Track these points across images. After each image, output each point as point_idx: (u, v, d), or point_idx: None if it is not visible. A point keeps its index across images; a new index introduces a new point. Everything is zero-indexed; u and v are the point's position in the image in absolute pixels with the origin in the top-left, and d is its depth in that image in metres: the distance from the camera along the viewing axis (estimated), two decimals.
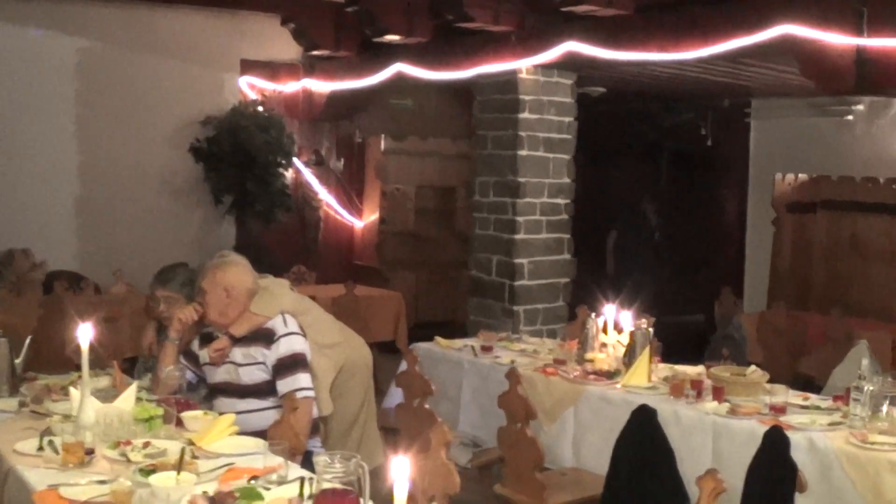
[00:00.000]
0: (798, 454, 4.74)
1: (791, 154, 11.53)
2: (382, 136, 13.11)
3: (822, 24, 6.92)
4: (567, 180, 9.35)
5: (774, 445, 4.31)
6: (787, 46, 7.22)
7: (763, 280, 11.42)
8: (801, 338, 8.64)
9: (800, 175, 11.07)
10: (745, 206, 12.26)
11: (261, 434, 4.28)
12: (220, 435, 4.18)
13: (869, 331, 8.00)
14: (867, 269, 10.20)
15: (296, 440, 4.31)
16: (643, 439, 4.96)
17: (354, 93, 11.45)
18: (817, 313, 9.93)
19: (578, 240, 9.56)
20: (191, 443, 4.08)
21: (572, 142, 9.40)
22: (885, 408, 5.01)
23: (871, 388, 5.07)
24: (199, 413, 4.44)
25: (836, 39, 6.88)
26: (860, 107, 11.00)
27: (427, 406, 5.55)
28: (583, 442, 5.87)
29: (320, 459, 3.14)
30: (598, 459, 5.55)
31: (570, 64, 8.93)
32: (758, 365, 6.92)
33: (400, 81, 10.50)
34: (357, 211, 13.23)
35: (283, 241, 11.75)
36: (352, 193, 13.13)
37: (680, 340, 8.19)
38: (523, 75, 9.07)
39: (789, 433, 4.81)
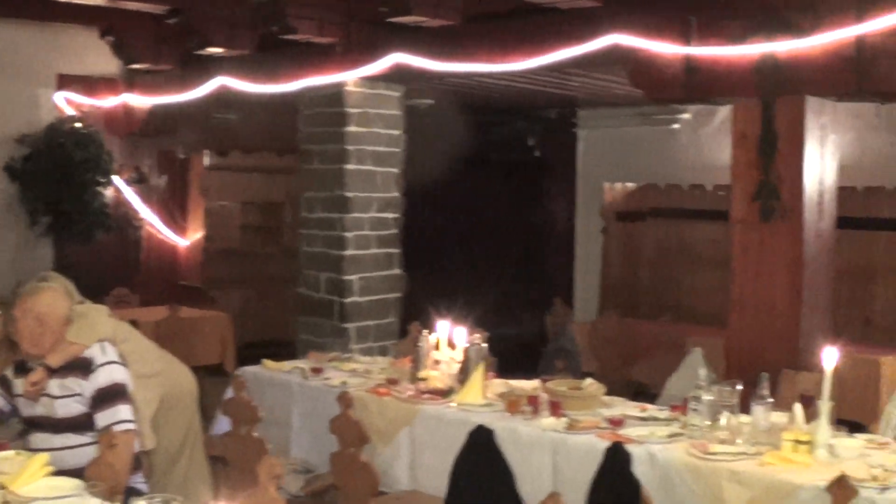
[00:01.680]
0: (639, 468, 4.69)
1: (619, 163, 11.64)
2: (206, 151, 12.78)
3: (651, 34, 6.93)
4: (396, 194, 9.19)
5: (616, 462, 4.22)
6: (616, 56, 7.21)
7: (594, 289, 11.49)
8: (633, 345, 8.68)
9: (628, 184, 11.16)
10: (574, 215, 12.32)
11: (80, 472, 4.00)
12: (34, 477, 3.88)
13: (699, 336, 8.09)
14: (696, 275, 10.35)
15: (115, 479, 4.04)
16: (481, 460, 4.84)
17: (176, 107, 11.09)
18: (648, 320, 10.04)
19: (411, 254, 9.42)
20: (2, 487, 3.78)
21: (400, 155, 9.25)
22: (723, 417, 4.99)
23: (710, 397, 5.04)
24: (10, 453, 4.13)
25: (665, 49, 6.89)
26: (686, 115, 11.16)
27: (256, 434, 5.30)
28: (419, 463, 5.69)
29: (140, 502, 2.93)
30: (435, 481, 5.40)
31: (397, 76, 8.79)
32: (592, 374, 6.90)
33: (223, 95, 10.20)
34: (181, 229, 12.85)
35: (104, 262, 11.29)
36: (175, 211, 12.74)
37: (514, 354, 8.11)
38: (350, 88, 8.89)
39: (629, 446, 4.75)
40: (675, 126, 11.23)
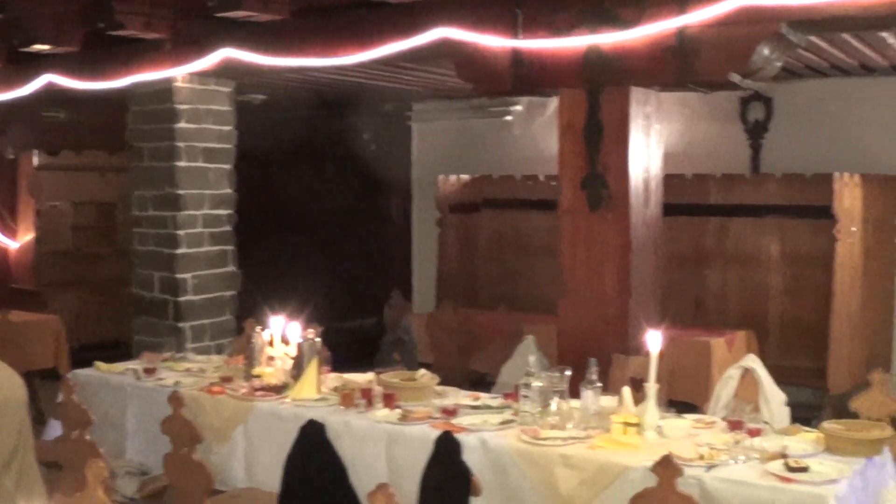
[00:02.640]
0: (472, 456, 4.73)
1: (453, 155, 11.71)
2: (35, 151, 12.45)
3: (478, 27, 6.97)
4: (229, 191, 9.07)
5: (445, 451, 4.25)
6: (444, 50, 7.24)
7: (431, 281, 11.54)
8: (471, 335, 8.76)
9: (462, 176, 11.23)
10: (411, 208, 12.37)
11: None
12: None
13: (535, 324, 8.20)
14: (531, 265, 10.48)
15: None
16: (312, 455, 4.82)
17: (4, 107, 10.75)
18: (485, 310, 10.13)
19: (247, 251, 9.32)
20: None
21: (232, 151, 9.13)
22: (554, 402, 5.07)
23: (540, 383, 5.12)
24: None
25: (492, 42, 6.95)
26: (518, 107, 11.29)
27: (88, 437, 5.20)
28: (255, 460, 5.66)
29: None
30: (271, 477, 5.35)
31: (227, 71, 8.68)
32: (430, 366, 6.94)
33: (52, 93, 9.93)
34: (11, 231, 12.51)
35: None
36: (4, 213, 12.40)
37: (353, 347, 8.12)
38: (179, 84, 8.74)
39: (462, 435, 4.80)
40: (509, 118, 11.35)
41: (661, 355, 5.04)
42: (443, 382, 6.00)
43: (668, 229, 9.11)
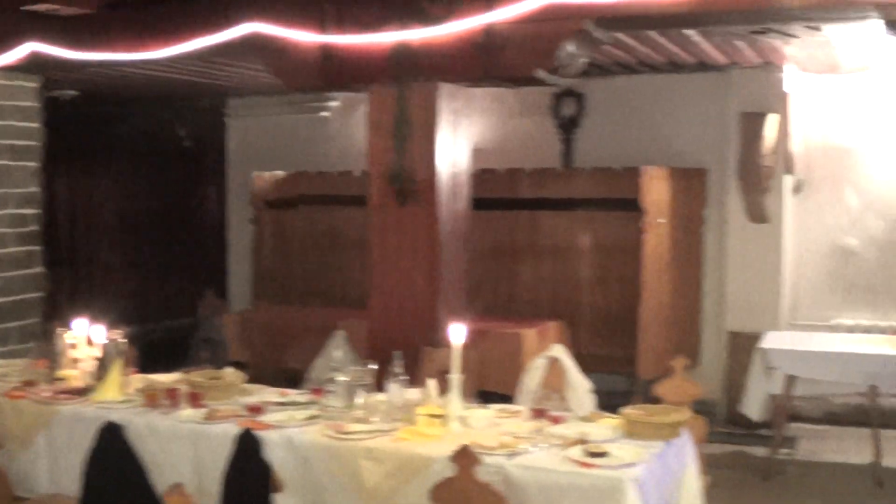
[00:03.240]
0: (277, 452, 4.73)
1: (270, 152, 11.63)
2: None
3: (288, 22, 6.95)
4: (35, 189, 8.81)
5: (246, 448, 4.23)
6: (254, 44, 7.20)
7: (247, 278, 11.45)
8: (286, 332, 8.73)
9: (278, 172, 11.17)
10: (226, 205, 12.24)
11: None
12: None
13: (349, 319, 8.21)
14: (346, 260, 10.49)
15: None
16: (111, 457, 4.74)
17: None
18: (300, 307, 10.10)
19: (56, 251, 9.09)
20: None
21: (39, 148, 8.88)
22: (359, 397, 5.09)
23: (345, 378, 5.14)
24: None
25: (302, 37, 6.93)
26: (336, 103, 11.29)
27: None
28: (58, 465, 5.50)
29: None
30: (76, 482, 5.24)
31: (33, 66, 8.43)
32: (243, 364, 6.89)
33: None
34: None
35: None
36: None
37: (167, 348, 8.01)
38: None
39: (267, 432, 4.78)
40: (325, 114, 11.34)
41: (470, 347, 5.11)
42: (258, 380, 5.98)
43: (481, 223, 9.29)
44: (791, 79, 9.39)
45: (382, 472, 4.64)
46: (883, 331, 9.37)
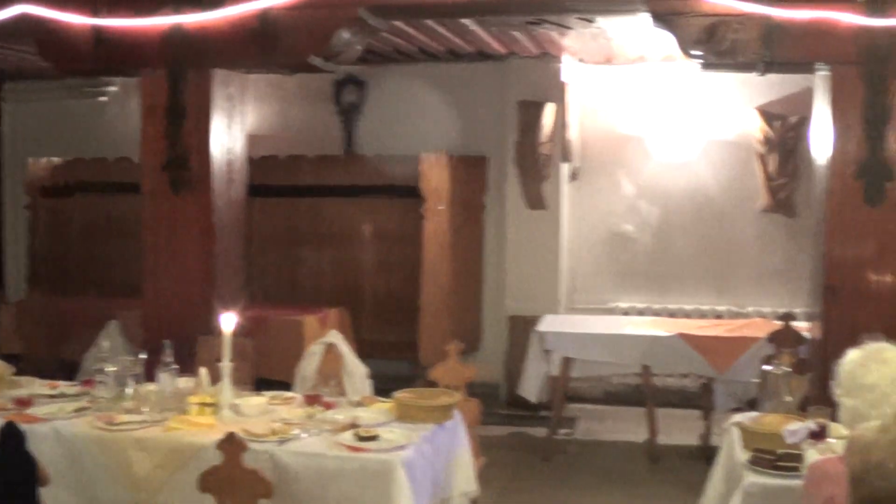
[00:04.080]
0: (45, 445, 4.62)
1: (46, 137, 11.27)
2: None
3: (59, 4, 6.74)
4: None
5: (8, 442, 4.10)
6: (25, 27, 6.96)
7: (22, 267, 11.10)
8: (62, 323, 8.50)
9: (54, 158, 10.83)
10: (1, 192, 11.82)
11: None
12: None
13: (126, 309, 8.07)
14: (123, 248, 10.21)
15: None
16: None
17: None
18: (79, 296, 9.84)
19: None
20: None
21: None
22: (129, 387, 5.02)
23: (114, 368, 5.06)
24: None
25: (73, 19, 6.74)
26: (114, 88, 11.03)
27: None
28: None
29: None
30: None
31: None
32: (17, 356, 6.70)
33: None
34: None
35: None
36: None
37: None
38: None
39: (34, 425, 4.67)
40: (103, 99, 11.07)
41: (249, 334, 5.10)
42: (36, 372, 5.83)
43: (262, 210, 9.24)
44: (568, 69, 9.62)
45: (152, 462, 4.60)
46: (657, 313, 9.74)
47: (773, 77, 8.80)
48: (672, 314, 9.69)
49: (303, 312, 8.55)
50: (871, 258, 5.87)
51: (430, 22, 7.77)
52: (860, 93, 5.81)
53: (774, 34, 5.81)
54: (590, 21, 7.74)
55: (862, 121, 5.83)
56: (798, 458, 4.26)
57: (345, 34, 6.38)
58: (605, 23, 7.85)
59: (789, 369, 5.08)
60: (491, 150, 9.93)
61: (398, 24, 7.59)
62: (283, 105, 10.33)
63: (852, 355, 3.90)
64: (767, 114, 9.61)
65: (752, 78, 8.86)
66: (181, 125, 6.53)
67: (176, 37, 6.52)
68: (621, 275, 10.10)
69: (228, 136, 6.72)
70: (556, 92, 9.60)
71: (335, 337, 6.15)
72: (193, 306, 6.51)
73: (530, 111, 9.50)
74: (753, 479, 4.22)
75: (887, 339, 3.94)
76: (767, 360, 5.54)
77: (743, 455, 4.45)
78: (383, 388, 5.72)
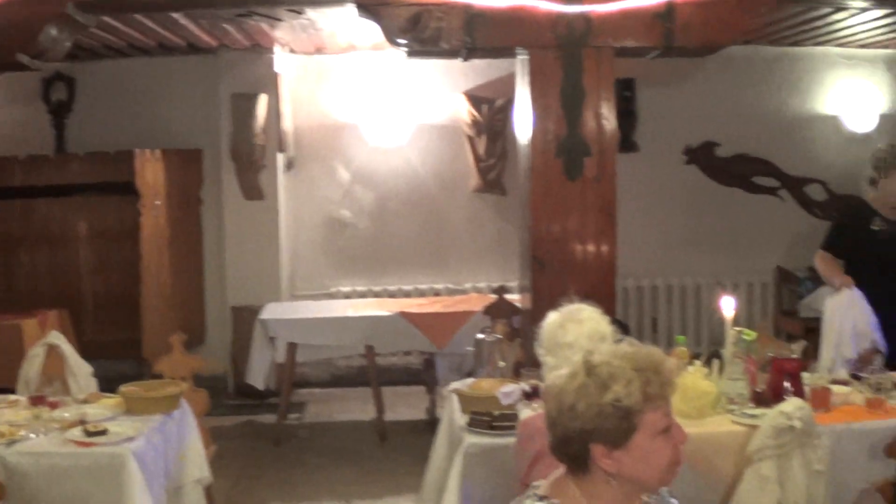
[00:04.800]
0: None
1: None
2: None
3: None
4: None
5: None
6: None
7: None
8: None
9: None
10: None
11: None
12: None
13: None
14: None
15: None
16: None
17: None
18: None
19: None
20: None
21: None
22: None
23: None
24: None
25: None
26: None
27: None
28: None
29: None
30: None
31: None
32: None
33: None
34: None
35: None
36: None
37: None
38: None
39: None
40: None
41: None
42: None
43: None
44: (280, 60, 9.73)
45: None
46: (378, 294, 10.02)
47: (479, 62, 9.24)
48: (393, 295, 10.00)
49: (21, 316, 8.37)
50: (573, 230, 6.24)
51: (138, 16, 7.71)
52: (557, 75, 6.16)
53: (476, 21, 6.06)
54: (299, 12, 7.87)
55: (560, 101, 6.19)
56: (513, 417, 4.56)
57: (52, 31, 6.26)
58: (314, 14, 8.00)
59: (500, 336, 5.39)
60: (206, 144, 9.93)
61: (107, 19, 7.50)
62: (20, 106, 10.00)
63: (552, 317, 4.22)
64: (475, 98, 10.01)
65: (459, 64, 9.24)
66: None
67: None
68: (341, 260, 10.29)
69: None
70: (269, 83, 9.69)
71: (56, 338, 6.07)
72: None
73: (244, 103, 9.56)
74: (472, 440, 4.49)
75: (583, 300, 4.28)
76: (483, 332, 5.83)
77: (461, 419, 4.72)
78: (109, 388, 5.68)
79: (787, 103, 10.54)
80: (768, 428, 4.30)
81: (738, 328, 4.95)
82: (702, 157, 10.49)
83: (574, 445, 2.57)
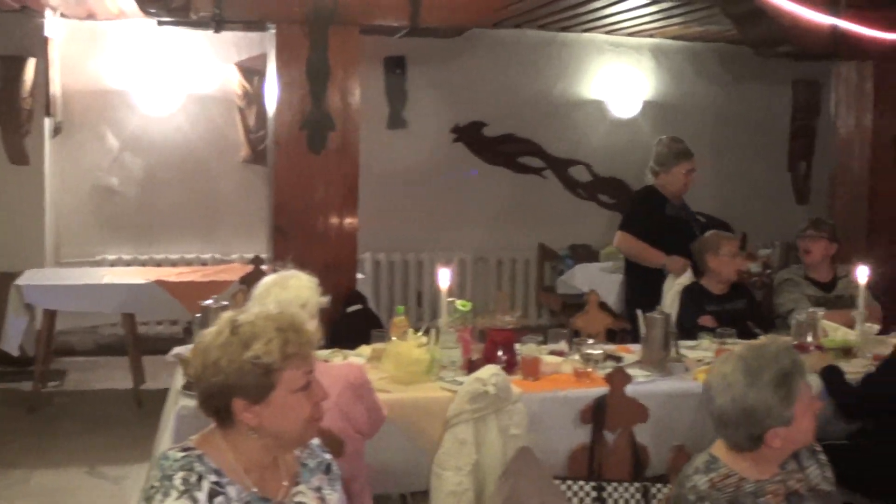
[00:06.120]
0: None
1: None
2: None
3: None
4: None
5: None
6: None
7: None
8: None
9: None
10: None
11: None
12: None
13: None
14: None
15: None
16: None
17: None
18: None
19: None
20: None
21: None
22: None
23: None
24: None
25: None
26: None
27: None
28: None
29: None
30: None
31: None
32: None
33: None
34: None
35: None
36: None
37: None
38: None
39: None
40: None
41: None
42: None
43: None
44: (52, 24, 9.57)
45: None
46: (144, 263, 10.00)
47: (252, 35, 9.32)
48: (159, 264, 9.97)
49: None
50: (317, 202, 6.42)
51: None
52: (304, 50, 6.31)
53: None
54: None
55: (306, 76, 6.34)
56: None
57: None
58: None
59: (226, 303, 5.50)
60: None
61: None
62: None
63: (265, 281, 4.36)
64: (245, 69, 10.08)
65: (232, 35, 9.30)
66: None
67: None
68: (108, 227, 10.20)
69: None
70: (39, 47, 9.51)
71: None
72: None
73: (11, 66, 9.39)
74: (184, 402, 4.61)
75: (300, 267, 4.41)
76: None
77: (180, 382, 4.83)
78: None
79: (555, 87, 10.95)
80: (465, 393, 4.55)
81: (452, 299, 5.19)
82: (469, 135, 10.77)
83: (218, 400, 2.73)
